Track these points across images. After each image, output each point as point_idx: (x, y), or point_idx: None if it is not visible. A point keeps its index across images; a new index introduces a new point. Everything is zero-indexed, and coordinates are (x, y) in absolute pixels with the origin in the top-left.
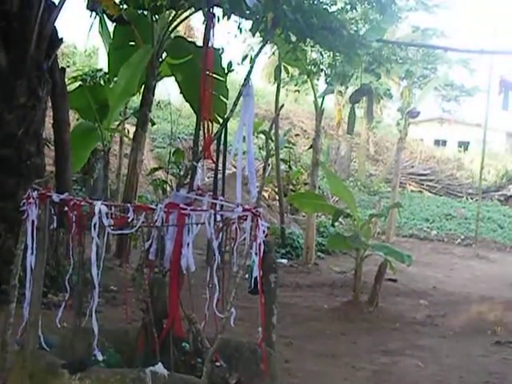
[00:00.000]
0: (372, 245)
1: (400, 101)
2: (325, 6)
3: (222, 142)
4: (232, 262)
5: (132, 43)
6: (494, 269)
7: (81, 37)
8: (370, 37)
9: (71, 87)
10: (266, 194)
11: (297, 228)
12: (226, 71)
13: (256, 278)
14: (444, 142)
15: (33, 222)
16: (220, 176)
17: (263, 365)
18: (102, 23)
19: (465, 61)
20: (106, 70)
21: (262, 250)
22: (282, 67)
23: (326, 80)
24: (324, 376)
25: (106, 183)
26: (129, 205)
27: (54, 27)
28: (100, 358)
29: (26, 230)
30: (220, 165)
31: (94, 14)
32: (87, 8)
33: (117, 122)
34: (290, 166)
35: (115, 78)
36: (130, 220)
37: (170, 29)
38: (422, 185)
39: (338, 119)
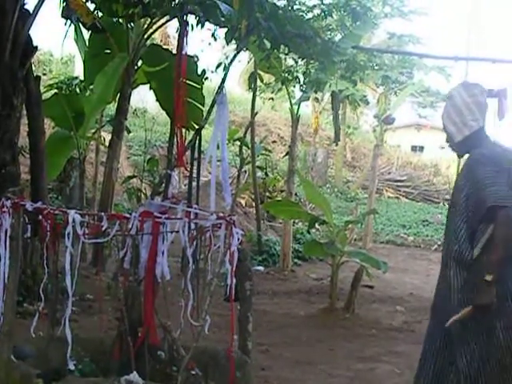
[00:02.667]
0: (348, 251)
1: (376, 107)
2: (300, 13)
3: (196, 150)
4: (207, 270)
5: (108, 51)
6: None
7: (57, 44)
8: (345, 44)
9: (47, 95)
10: (242, 201)
11: (273, 235)
12: (201, 78)
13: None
14: (421, 148)
15: (6, 230)
16: (195, 184)
17: (231, 372)
18: (77, 31)
19: (440, 67)
20: (81, 77)
21: (236, 258)
22: (257, 75)
23: (300, 87)
24: (300, 383)
25: (82, 191)
26: (103, 214)
27: (29, 35)
28: (72, 367)
29: None
30: (195, 172)
31: (68, 21)
32: (62, 16)
33: (93, 130)
34: (266, 173)
35: (91, 86)
36: (104, 229)
37: (146, 36)
38: (399, 191)
39: (314, 126)
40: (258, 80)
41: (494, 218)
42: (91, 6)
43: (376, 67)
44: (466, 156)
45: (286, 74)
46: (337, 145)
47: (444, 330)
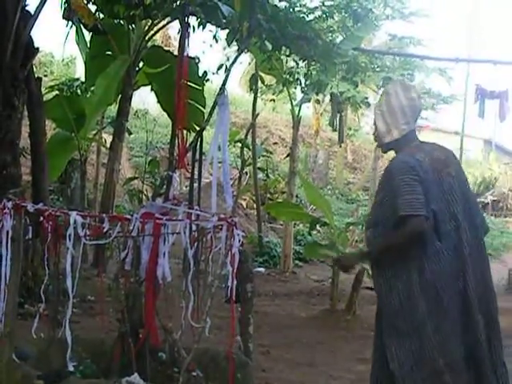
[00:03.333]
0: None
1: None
2: (302, 15)
3: (197, 152)
4: (208, 272)
5: (109, 52)
6: None
7: (58, 46)
8: (346, 46)
9: (48, 96)
10: (243, 203)
11: (274, 237)
12: (203, 80)
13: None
14: None
15: (7, 232)
16: (196, 185)
17: (230, 373)
18: (78, 32)
19: (441, 69)
20: (83, 79)
21: (237, 260)
22: (258, 76)
23: (301, 89)
24: None
25: (83, 193)
26: (104, 215)
27: (30, 36)
28: (71, 368)
29: (0, 240)
30: (196, 174)
31: (70, 23)
32: (63, 17)
33: (94, 132)
34: (267, 175)
35: (92, 88)
36: (105, 230)
37: (147, 38)
38: None
39: (315, 127)
40: (259, 81)
41: (406, 222)
42: (92, 8)
43: (377, 69)
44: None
45: (287, 76)
46: (340, 146)
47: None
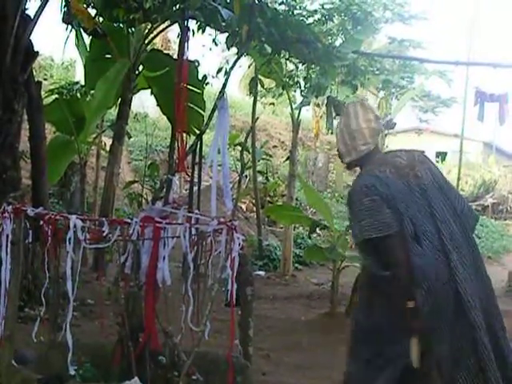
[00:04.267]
0: (349, 256)
1: (377, 111)
2: (301, 18)
3: (197, 155)
4: (208, 275)
5: (108, 56)
6: None
7: (58, 49)
8: (346, 49)
9: (48, 100)
10: (243, 206)
11: (274, 240)
12: (202, 83)
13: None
14: (422, 153)
15: (7, 236)
16: (196, 188)
17: (229, 376)
18: (78, 36)
19: (441, 72)
20: (82, 82)
21: (237, 263)
22: (258, 80)
23: (301, 92)
24: None
25: (82, 196)
26: (104, 219)
27: (30, 40)
28: (73, 372)
29: (0, 244)
30: (196, 177)
31: (69, 26)
32: (63, 21)
33: (93, 135)
34: (267, 178)
35: (92, 91)
36: (105, 234)
37: (147, 41)
38: None
39: (315, 130)
40: (259, 85)
41: (380, 245)
42: (92, 12)
43: (377, 72)
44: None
45: (287, 79)
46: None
47: None
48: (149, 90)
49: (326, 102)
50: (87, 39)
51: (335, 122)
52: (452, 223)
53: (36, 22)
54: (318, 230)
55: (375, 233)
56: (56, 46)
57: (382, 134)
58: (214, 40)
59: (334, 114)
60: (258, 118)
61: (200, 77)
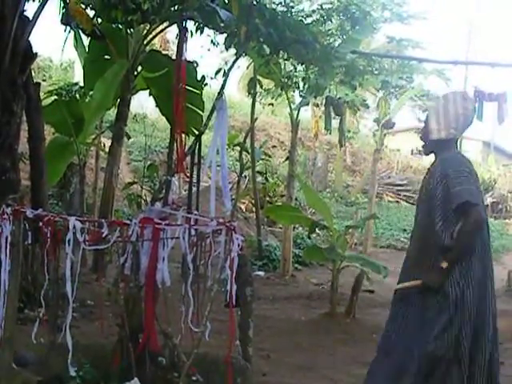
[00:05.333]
0: (348, 256)
1: (376, 111)
2: (300, 19)
3: (196, 156)
4: (207, 276)
5: (107, 57)
6: None
7: (57, 50)
8: (345, 49)
9: (47, 101)
10: (242, 207)
11: (274, 240)
12: (201, 84)
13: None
14: (421, 152)
15: (7, 237)
16: (195, 189)
17: (229, 377)
18: (76, 37)
19: (440, 71)
20: (81, 83)
21: (236, 264)
22: (257, 80)
23: (299, 93)
24: None
25: (82, 197)
26: (103, 220)
27: (29, 41)
28: (73, 374)
29: None
30: (195, 178)
31: (68, 28)
32: (61, 22)
33: (92, 136)
34: (266, 178)
35: (91, 92)
36: (104, 235)
37: (145, 42)
38: (399, 195)
39: (314, 130)
40: (258, 85)
41: (466, 213)
42: (91, 13)
43: (375, 72)
44: (432, 158)
45: (286, 80)
46: (340, 149)
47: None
48: (147, 91)
49: (324, 102)
50: (86, 40)
51: (334, 123)
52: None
53: (34, 24)
54: (317, 230)
55: (474, 199)
56: (55, 47)
57: (382, 132)
58: (212, 41)
59: (332, 114)
60: (256, 119)
61: (199, 77)
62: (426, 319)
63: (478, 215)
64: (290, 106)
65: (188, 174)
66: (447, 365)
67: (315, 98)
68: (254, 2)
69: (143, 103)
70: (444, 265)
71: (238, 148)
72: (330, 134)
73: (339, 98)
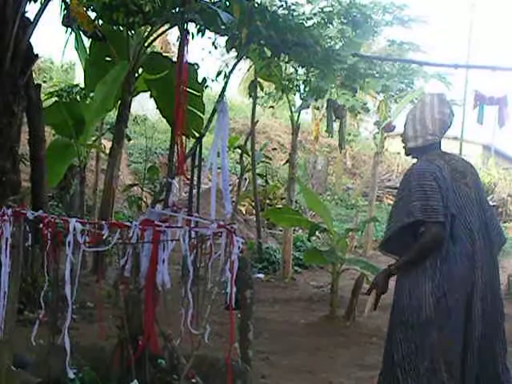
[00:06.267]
0: (348, 259)
1: (376, 114)
2: (301, 21)
3: (196, 158)
4: (207, 278)
5: (108, 59)
6: None
7: (57, 51)
8: (345, 52)
9: (47, 103)
10: (242, 209)
11: (274, 243)
12: (202, 86)
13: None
14: None
15: (7, 239)
16: (195, 191)
17: (228, 380)
18: (77, 39)
19: (441, 75)
20: (82, 85)
21: (236, 266)
22: (257, 83)
23: (300, 96)
24: None
25: (82, 199)
26: (103, 222)
27: (30, 43)
28: (72, 376)
29: (0, 247)
30: (195, 180)
31: (69, 29)
32: (62, 24)
33: (93, 138)
34: (266, 181)
35: (91, 94)
36: (104, 237)
37: (146, 44)
38: None
39: (315, 133)
40: (259, 88)
41: (425, 229)
42: (92, 15)
43: (376, 75)
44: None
45: (287, 82)
46: (341, 152)
47: None
48: (148, 93)
49: (326, 105)
50: (87, 42)
51: (335, 125)
52: (482, 238)
53: (36, 25)
54: (317, 232)
55: (431, 217)
56: (55, 48)
57: (383, 136)
58: (213, 43)
59: (333, 118)
60: (257, 122)
61: (200, 80)
62: None
63: (434, 235)
64: (291, 109)
65: (188, 176)
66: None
67: (316, 100)
68: (255, 5)
69: (144, 105)
70: (391, 266)
71: (239, 150)
72: (332, 137)
73: (339, 106)
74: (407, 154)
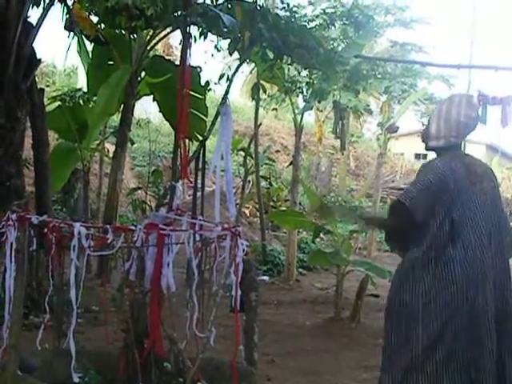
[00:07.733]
0: (353, 261)
1: (380, 115)
2: (303, 23)
3: (200, 161)
4: (212, 281)
5: (111, 62)
6: None
7: (60, 56)
8: (348, 53)
9: (51, 107)
10: (246, 212)
11: (278, 245)
12: (205, 89)
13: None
14: (425, 156)
15: (11, 244)
16: (199, 194)
17: (234, 383)
18: (80, 43)
19: (443, 76)
20: (85, 89)
21: (241, 269)
22: (260, 85)
23: (303, 97)
24: None
25: (86, 203)
26: (108, 226)
27: (32, 47)
28: (77, 379)
29: (5, 252)
30: (199, 183)
31: (72, 33)
32: (65, 28)
33: (96, 142)
34: (270, 183)
35: (94, 98)
36: (109, 241)
37: (149, 48)
38: None
39: (318, 135)
40: (261, 90)
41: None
42: (94, 19)
43: (379, 76)
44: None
45: (289, 84)
46: (343, 154)
47: None
48: (151, 96)
49: (332, 106)
50: (89, 46)
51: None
52: (493, 244)
53: (38, 30)
54: (321, 234)
55: (402, 197)
56: (58, 52)
57: (386, 137)
58: (216, 46)
59: (339, 118)
60: (260, 124)
61: (202, 83)
62: None
63: (393, 207)
64: (294, 111)
65: (192, 180)
66: None
67: (319, 102)
68: (258, 7)
69: (147, 108)
70: (373, 222)
71: (242, 153)
72: (338, 138)
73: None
74: (426, 149)
